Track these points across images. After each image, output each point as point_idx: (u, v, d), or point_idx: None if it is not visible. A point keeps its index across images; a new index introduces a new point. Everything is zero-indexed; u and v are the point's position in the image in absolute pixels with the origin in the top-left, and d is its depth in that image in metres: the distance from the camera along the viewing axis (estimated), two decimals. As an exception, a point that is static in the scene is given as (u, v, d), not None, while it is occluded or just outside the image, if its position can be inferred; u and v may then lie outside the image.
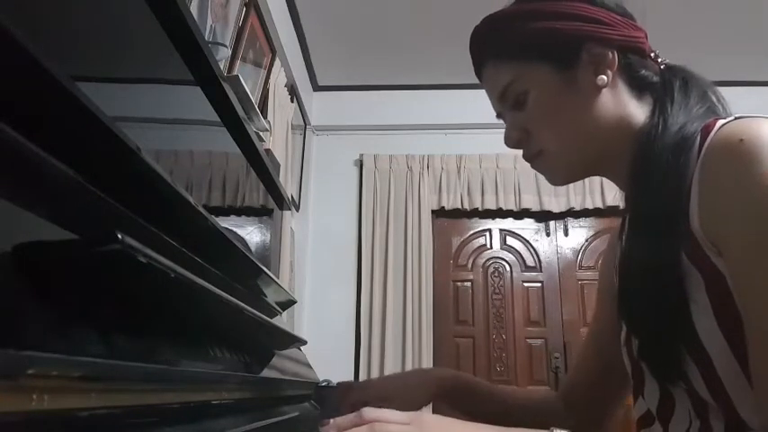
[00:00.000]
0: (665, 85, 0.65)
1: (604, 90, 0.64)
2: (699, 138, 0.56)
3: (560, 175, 0.70)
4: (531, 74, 0.65)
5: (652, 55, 0.67)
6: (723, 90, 0.66)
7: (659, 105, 0.63)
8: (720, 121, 0.55)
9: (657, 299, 0.55)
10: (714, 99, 0.64)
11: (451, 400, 0.85)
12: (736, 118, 0.55)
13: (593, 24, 0.63)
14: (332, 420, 0.53)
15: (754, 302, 0.48)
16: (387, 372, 2.84)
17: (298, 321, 2.82)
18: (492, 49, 0.69)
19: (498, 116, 0.73)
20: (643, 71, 0.66)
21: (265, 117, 2.18)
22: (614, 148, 0.65)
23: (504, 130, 0.71)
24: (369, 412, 0.51)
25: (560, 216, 3.19)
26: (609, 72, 0.64)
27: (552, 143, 0.67)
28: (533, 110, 0.66)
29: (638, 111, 0.65)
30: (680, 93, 0.63)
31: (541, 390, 0.93)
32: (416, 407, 0.82)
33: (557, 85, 0.64)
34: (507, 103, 0.69)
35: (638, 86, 0.66)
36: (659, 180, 0.57)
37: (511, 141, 0.70)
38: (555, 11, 0.64)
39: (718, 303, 0.51)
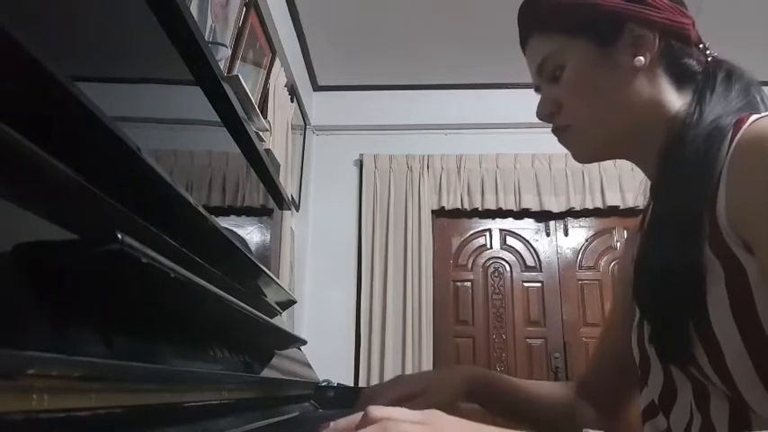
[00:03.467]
0: (707, 76, 0.64)
1: (641, 72, 0.64)
2: (731, 131, 0.56)
3: (585, 151, 0.70)
4: (569, 48, 0.66)
5: (700, 46, 0.67)
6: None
7: (698, 95, 0.63)
8: (754, 116, 0.55)
9: (675, 286, 0.55)
10: (758, 97, 0.63)
11: (480, 399, 0.84)
12: None
13: (637, 4, 0.64)
14: (331, 424, 0.47)
15: None
16: (386, 372, 2.84)
17: (298, 321, 2.82)
18: (536, 21, 0.70)
19: (536, 90, 0.74)
20: (686, 59, 0.65)
21: (265, 117, 2.18)
22: (645, 132, 0.65)
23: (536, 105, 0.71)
24: (375, 410, 0.45)
25: (560, 216, 3.18)
26: (648, 54, 0.64)
27: (581, 117, 0.67)
28: (567, 82, 0.67)
29: (674, 98, 0.65)
30: (722, 85, 0.63)
31: (561, 385, 0.91)
32: (445, 405, 0.80)
33: (593, 61, 0.65)
34: (544, 76, 0.70)
35: (679, 75, 0.65)
36: (689, 170, 0.57)
37: (542, 113, 0.71)
38: None
39: (735, 296, 0.51)
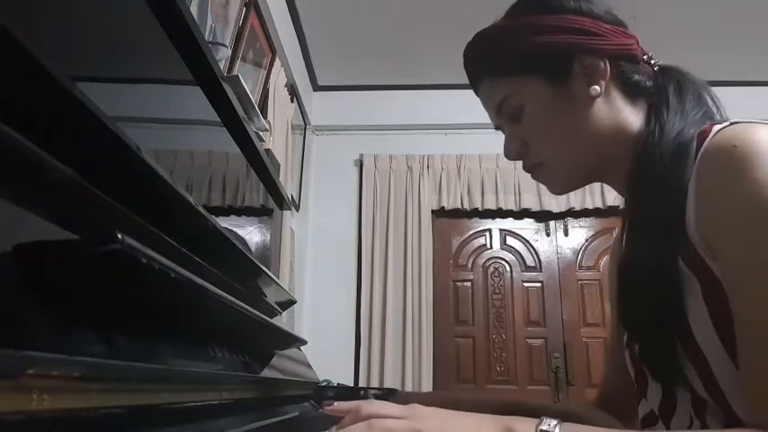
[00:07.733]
0: (659, 90, 0.65)
1: (598, 100, 0.65)
2: (695, 143, 0.56)
3: (560, 185, 0.71)
4: (524, 88, 0.66)
5: (645, 58, 0.67)
6: (722, 90, 0.66)
7: (655, 111, 0.63)
8: (716, 127, 0.56)
9: (655, 304, 0.56)
10: (709, 101, 0.64)
11: None
12: (731, 123, 0.55)
13: (583, 36, 0.64)
14: (335, 403, 0.55)
15: (746, 305, 0.48)
16: (386, 372, 2.84)
17: (298, 321, 2.82)
18: (485, 66, 0.70)
19: (497, 128, 0.74)
20: (636, 77, 0.66)
21: (265, 117, 2.18)
22: (612, 155, 0.66)
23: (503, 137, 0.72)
24: (366, 407, 0.52)
25: (560, 216, 3.18)
26: (602, 82, 0.64)
27: (551, 155, 0.68)
28: (530, 123, 0.67)
29: (633, 117, 0.65)
30: (675, 97, 0.63)
31: (585, 406, 0.94)
32: None
33: (551, 99, 0.65)
34: (504, 117, 0.70)
35: (632, 92, 0.66)
36: (658, 186, 0.58)
37: (510, 154, 0.71)
38: (544, 24, 0.65)
39: (714, 308, 0.51)
